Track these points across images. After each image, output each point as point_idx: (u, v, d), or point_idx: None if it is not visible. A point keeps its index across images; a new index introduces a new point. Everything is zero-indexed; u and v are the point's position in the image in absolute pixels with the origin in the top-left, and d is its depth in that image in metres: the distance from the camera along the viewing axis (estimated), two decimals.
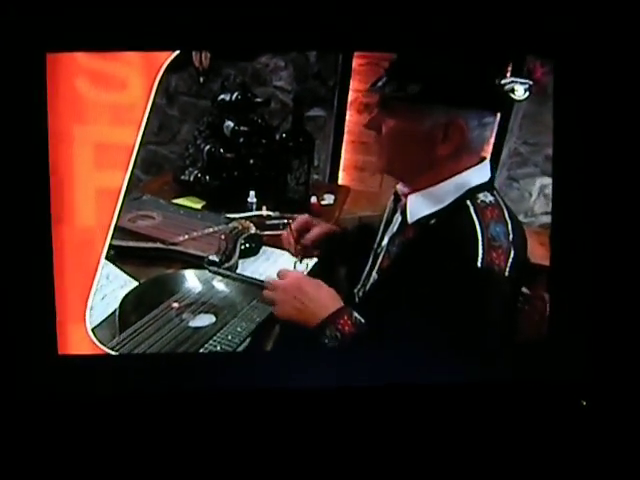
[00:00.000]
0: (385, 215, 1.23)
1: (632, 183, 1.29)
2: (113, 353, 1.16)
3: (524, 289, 1.23)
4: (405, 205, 1.12)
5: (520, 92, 1.24)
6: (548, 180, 1.45)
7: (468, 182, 1.09)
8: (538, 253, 1.32)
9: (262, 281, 1.26)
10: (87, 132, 1.18)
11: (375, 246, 1.21)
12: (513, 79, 1.21)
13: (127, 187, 1.20)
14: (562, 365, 1.31)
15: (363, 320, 1.11)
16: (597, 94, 1.27)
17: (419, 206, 1.10)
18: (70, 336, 1.21)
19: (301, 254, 1.34)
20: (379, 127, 1.12)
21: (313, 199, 1.67)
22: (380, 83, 1.11)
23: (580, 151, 1.29)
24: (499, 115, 1.16)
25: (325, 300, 1.13)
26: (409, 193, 1.12)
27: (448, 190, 1.09)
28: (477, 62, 1.12)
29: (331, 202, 1.73)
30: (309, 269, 1.34)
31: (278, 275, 1.20)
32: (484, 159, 1.13)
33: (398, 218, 1.16)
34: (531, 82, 1.23)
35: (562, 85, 1.28)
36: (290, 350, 1.25)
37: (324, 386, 1.27)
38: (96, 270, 1.20)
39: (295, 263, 1.33)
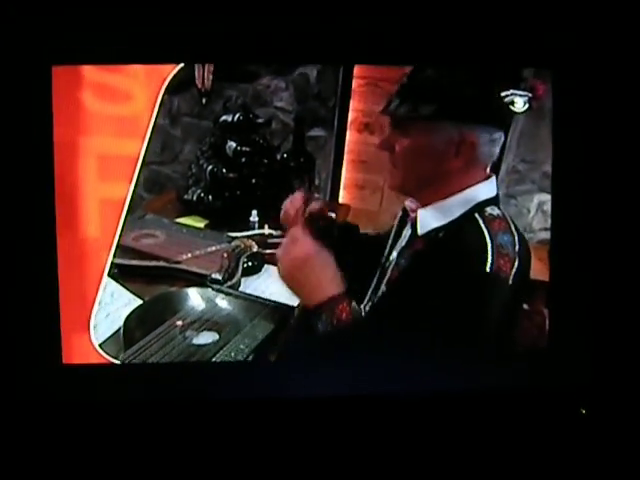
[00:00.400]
0: (393, 230, 1.26)
1: (631, 194, 1.31)
2: (117, 362, 1.18)
3: (523, 305, 1.24)
4: (415, 219, 1.15)
5: (520, 104, 1.25)
6: (546, 197, 1.47)
7: (476, 196, 1.12)
8: (536, 268, 1.32)
9: (264, 299, 1.28)
10: (92, 143, 1.20)
11: (383, 260, 1.24)
12: (513, 91, 1.24)
13: (131, 198, 1.22)
14: (562, 373, 1.31)
15: (359, 308, 1.13)
16: (596, 104, 1.29)
17: (429, 219, 1.13)
18: (74, 345, 1.22)
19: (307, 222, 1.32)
20: (392, 147, 1.16)
21: None
22: (393, 105, 1.15)
23: (579, 162, 1.32)
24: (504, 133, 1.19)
25: (328, 282, 1.12)
26: (419, 207, 1.16)
27: (457, 204, 1.12)
28: (486, 79, 1.15)
29: None
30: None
31: (289, 235, 1.19)
32: (491, 176, 1.16)
33: (407, 232, 1.19)
34: (530, 94, 1.25)
35: (560, 96, 1.31)
36: (293, 360, 1.26)
37: (327, 395, 1.27)
38: (101, 279, 1.22)
39: None
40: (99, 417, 1.22)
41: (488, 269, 1.04)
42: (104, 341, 1.20)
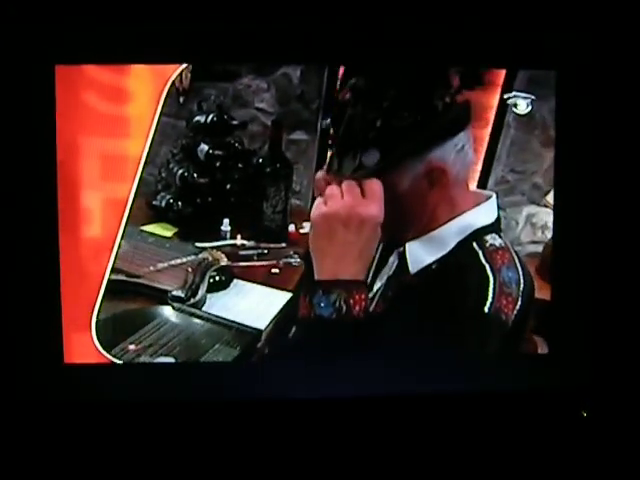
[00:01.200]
0: (377, 255, 1.10)
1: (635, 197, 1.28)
2: (119, 362, 1.15)
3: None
4: (403, 252, 1.02)
5: (522, 107, 1.22)
6: (535, 209, 1.44)
7: (473, 223, 0.99)
8: None
9: (229, 320, 1.19)
10: (94, 143, 1.19)
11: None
12: (515, 94, 1.20)
13: (134, 198, 1.22)
14: (562, 375, 1.29)
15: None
16: (601, 106, 1.26)
17: (420, 254, 1.00)
18: (76, 345, 1.21)
19: None
20: None
21: (291, 227, 1.60)
22: (335, 164, 0.99)
23: (584, 165, 1.28)
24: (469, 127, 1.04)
25: (362, 263, 0.95)
26: (407, 240, 1.02)
27: (451, 233, 0.99)
28: (414, 92, 0.98)
29: None
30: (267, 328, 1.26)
31: (368, 184, 0.95)
32: (489, 197, 1.03)
33: (394, 262, 1.05)
34: (533, 97, 1.19)
35: (564, 98, 1.27)
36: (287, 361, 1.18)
37: (321, 397, 1.23)
38: (102, 279, 1.21)
39: None
40: (101, 417, 1.20)
41: (487, 309, 0.92)
42: None
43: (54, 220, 1.18)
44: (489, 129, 1.35)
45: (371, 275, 1.08)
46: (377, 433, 1.25)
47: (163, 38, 1.18)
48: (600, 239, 1.28)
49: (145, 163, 1.21)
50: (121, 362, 1.16)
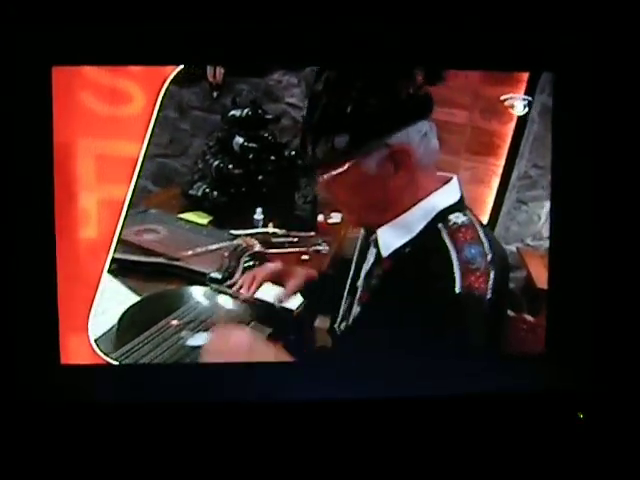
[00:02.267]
0: (357, 250, 1.19)
1: (633, 199, 1.29)
2: (115, 363, 1.16)
3: (528, 316, 1.19)
4: (376, 240, 1.09)
5: (519, 108, 1.23)
6: None
7: (437, 205, 1.05)
8: (543, 278, 1.31)
9: (262, 300, 1.24)
10: (91, 144, 1.20)
11: (350, 282, 1.17)
12: (512, 95, 1.22)
13: (130, 199, 1.22)
14: (559, 377, 1.29)
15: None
16: (599, 107, 1.27)
17: (391, 238, 1.06)
18: (73, 346, 1.22)
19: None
20: (331, 190, 1.11)
21: (320, 217, 1.65)
22: (309, 149, 1.07)
23: (581, 167, 1.29)
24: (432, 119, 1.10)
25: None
26: (378, 226, 1.09)
27: (417, 217, 1.05)
28: (380, 82, 1.07)
29: (338, 220, 1.70)
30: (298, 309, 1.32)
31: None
32: (450, 179, 1.09)
33: (372, 251, 1.12)
34: (530, 98, 1.20)
35: (562, 99, 1.28)
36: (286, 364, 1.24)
37: (317, 399, 1.25)
38: (99, 281, 1.21)
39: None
40: (97, 417, 1.22)
41: (458, 290, 0.97)
42: (98, 338, 1.18)
43: (51, 221, 1.19)
44: (512, 125, 1.38)
45: (353, 268, 1.17)
46: (375, 435, 1.27)
47: (160, 39, 1.19)
48: (600, 241, 1.29)
49: (142, 165, 1.22)
50: (117, 363, 1.18)
